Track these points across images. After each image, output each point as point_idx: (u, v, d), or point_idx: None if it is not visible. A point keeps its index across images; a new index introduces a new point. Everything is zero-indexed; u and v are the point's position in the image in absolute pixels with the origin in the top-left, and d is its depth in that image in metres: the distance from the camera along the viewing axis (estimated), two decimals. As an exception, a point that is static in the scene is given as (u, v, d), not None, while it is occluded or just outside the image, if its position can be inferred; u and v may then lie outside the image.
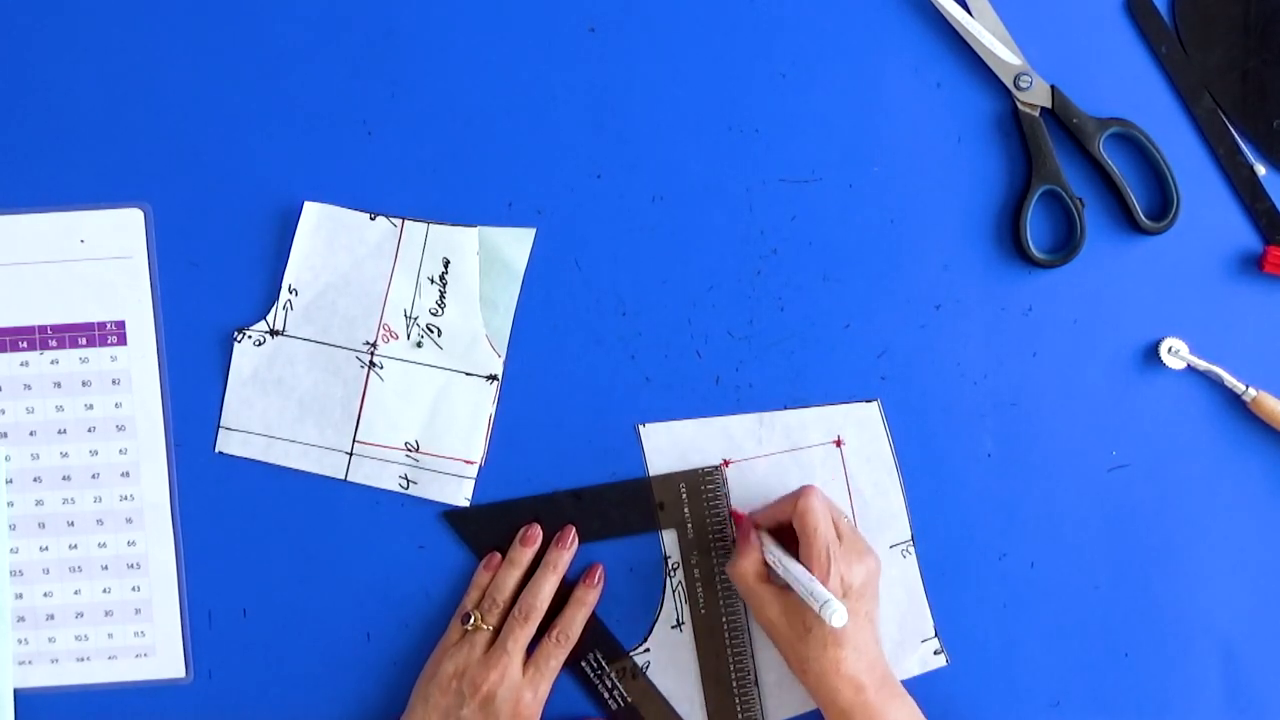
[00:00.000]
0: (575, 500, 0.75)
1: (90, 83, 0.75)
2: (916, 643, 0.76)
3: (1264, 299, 0.76)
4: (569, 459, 0.75)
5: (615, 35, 0.75)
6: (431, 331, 0.75)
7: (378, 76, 0.75)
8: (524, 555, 0.74)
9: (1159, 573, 0.76)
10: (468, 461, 0.75)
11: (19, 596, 0.76)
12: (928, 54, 0.76)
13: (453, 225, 0.75)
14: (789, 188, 0.76)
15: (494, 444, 0.76)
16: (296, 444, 0.75)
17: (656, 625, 0.76)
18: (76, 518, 0.76)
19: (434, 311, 0.75)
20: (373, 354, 0.75)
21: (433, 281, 0.75)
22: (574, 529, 0.75)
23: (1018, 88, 0.75)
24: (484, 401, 0.75)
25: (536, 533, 0.75)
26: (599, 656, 0.76)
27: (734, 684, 0.76)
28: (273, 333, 0.75)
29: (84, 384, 0.75)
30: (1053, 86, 0.75)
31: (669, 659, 0.76)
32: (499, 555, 0.75)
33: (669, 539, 0.76)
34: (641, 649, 0.76)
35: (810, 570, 0.67)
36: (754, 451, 0.76)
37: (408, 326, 0.75)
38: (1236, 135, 0.75)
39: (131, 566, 0.76)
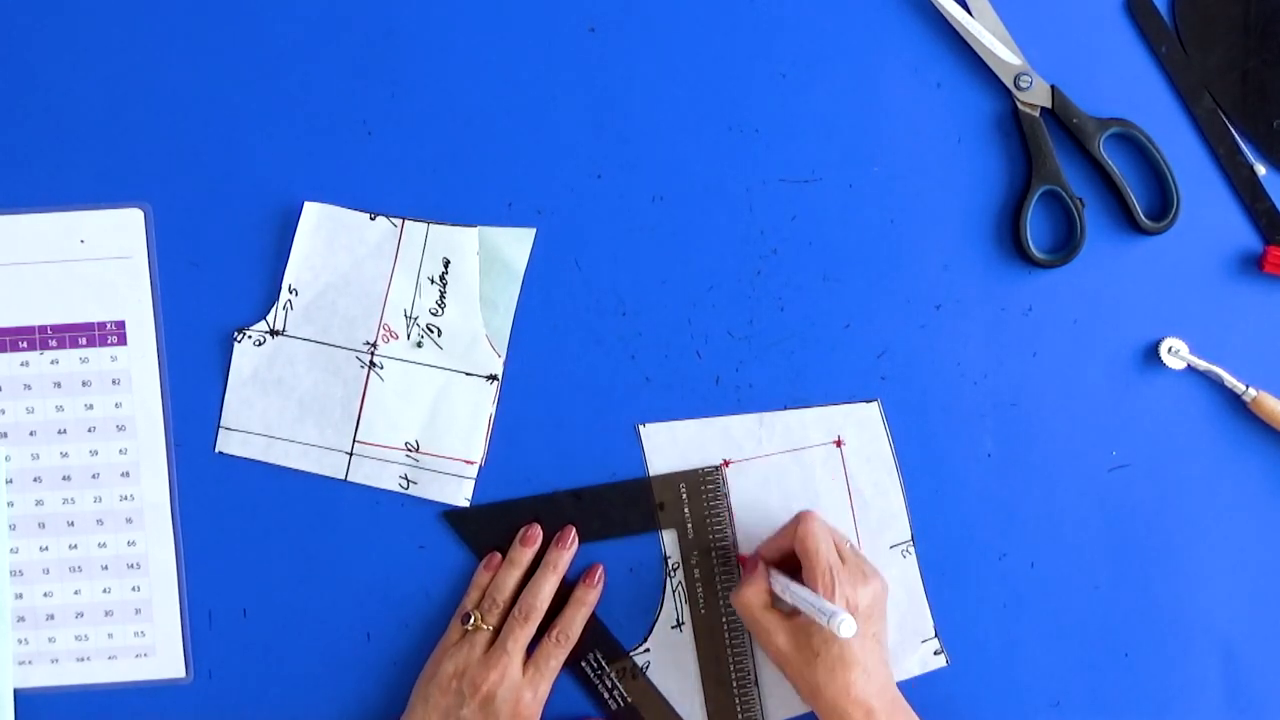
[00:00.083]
0: (575, 500, 0.75)
1: (90, 83, 0.75)
2: (916, 643, 0.76)
3: (1264, 299, 0.76)
4: (569, 459, 0.75)
5: (615, 35, 0.75)
6: (431, 331, 0.75)
7: (378, 76, 0.75)
8: (524, 555, 0.74)
9: (1159, 573, 0.76)
10: (468, 461, 0.75)
11: (19, 596, 0.76)
12: (928, 54, 0.76)
13: (453, 225, 0.75)
14: (789, 188, 0.76)
15: (494, 444, 0.76)
16: (296, 444, 0.75)
17: (656, 625, 0.76)
18: (76, 518, 0.76)
19: (434, 311, 0.75)
20: (373, 354, 0.75)
21: (433, 281, 0.75)
22: (574, 529, 0.75)
23: (1018, 88, 0.75)
24: (484, 401, 0.75)
25: (536, 533, 0.75)
26: (599, 656, 0.76)
27: (734, 684, 0.76)
28: (273, 333, 0.75)
29: (84, 384, 0.75)
30: (1053, 86, 0.75)
31: (669, 659, 0.76)
32: (499, 555, 0.75)
33: (669, 539, 0.76)
34: (641, 649, 0.76)
35: (815, 591, 0.67)
36: (754, 452, 0.76)
37: (408, 326, 0.75)
38: (1236, 135, 0.75)
39: (131, 566, 0.76)
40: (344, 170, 0.75)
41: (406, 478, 0.75)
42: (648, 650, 0.76)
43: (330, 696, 0.76)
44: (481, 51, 0.75)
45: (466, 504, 0.75)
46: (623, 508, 0.76)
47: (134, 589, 0.76)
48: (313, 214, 0.75)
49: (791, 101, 0.76)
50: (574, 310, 0.76)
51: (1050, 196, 0.75)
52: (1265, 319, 0.76)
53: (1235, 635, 0.76)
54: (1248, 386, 0.75)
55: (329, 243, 0.75)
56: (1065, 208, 0.75)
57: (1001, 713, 0.76)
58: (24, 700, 0.76)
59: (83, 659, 0.76)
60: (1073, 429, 0.76)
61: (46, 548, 0.76)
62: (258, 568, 0.75)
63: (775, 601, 0.70)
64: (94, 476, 0.75)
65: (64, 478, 0.75)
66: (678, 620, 0.76)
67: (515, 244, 0.75)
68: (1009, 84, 0.75)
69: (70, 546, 0.76)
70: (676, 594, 0.76)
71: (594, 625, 0.75)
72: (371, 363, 0.75)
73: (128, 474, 0.75)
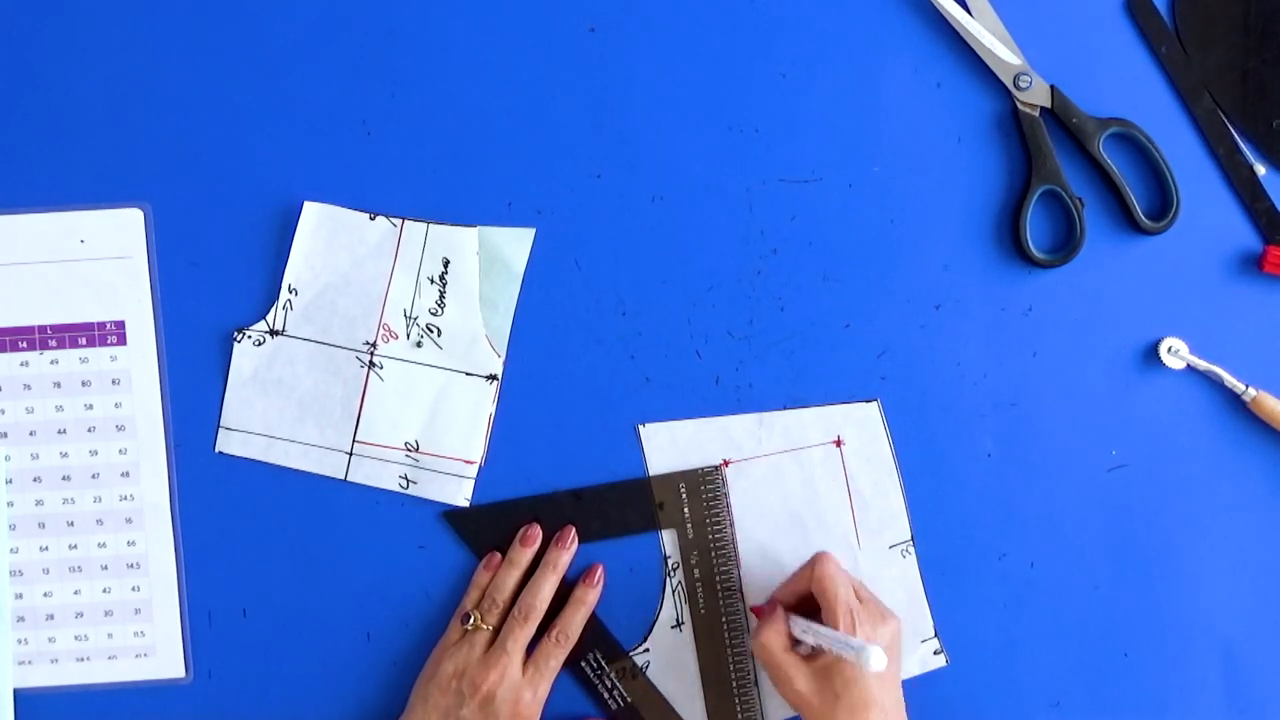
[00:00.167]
0: (575, 500, 0.75)
1: (90, 83, 0.75)
2: (916, 643, 0.76)
3: (1264, 299, 0.76)
4: (569, 459, 0.75)
5: (615, 35, 0.75)
6: (431, 331, 0.75)
7: (378, 76, 0.75)
8: (524, 555, 0.74)
9: (1159, 573, 0.76)
10: (467, 461, 0.75)
11: (19, 596, 0.76)
12: (928, 54, 0.76)
13: (453, 225, 0.75)
14: (789, 188, 0.76)
15: (494, 444, 0.76)
16: (296, 444, 0.75)
17: (656, 625, 0.76)
18: (76, 518, 0.76)
19: (434, 311, 0.75)
20: (373, 354, 0.75)
21: (433, 281, 0.75)
22: (574, 529, 0.75)
23: (1017, 88, 0.75)
24: (484, 401, 0.75)
25: (536, 533, 0.75)
26: (599, 656, 0.76)
27: (734, 684, 0.76)
28: (273, 333, 0.75)
29: (84, 384, 0.75)
30: (1053, 86, 0.75)
31: (669, 659, 0.76)
32: (499, 555, 0.75)
33: (669, 539, 0.76)
34: (641, 649, 0.76)
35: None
36: (754, 451, 0.76)
37: (408, 326, 0.75)
38: (1236, 135, 0.75)
39: (131, 566, 0.76)
40: (344, 170, 0.75)
41: (406, 478, 0.75)
42: (647, 650, 0.76)
43: (330, 696, 0.76)
44: (481, 51, 0.75)
45: (466, 504, 0.75)
46: (622, 508, 0.76)
47: (134, 589, 0.76)
48: (312, 214, 0.75)
49: (791, 101, 0.76)
50: (574, 310, 0.76)
51: (1050, 196, 0.75)
52: (1265, 319, 0.76)
53: (1235, 635, 0.76)
54: (1247, 386, 0.75)
55: (329, 243, 0.75)
56: (1065, 208, 0.75)
57: (1001, 713, 0.76)
58: (24, 700, 0.76)
59: (82, 659, 0.76)
60: (1072, 429, 0.76)
61: (46, 548, 0.76)
62: (258, 568, 0.75)
63: (793, 645, 0.69)
64: (94, 476, 0.75)
65: (64, 478, 0.75)
66: (677, 620, 0.76)
67: (515, 244, 0.75)
68: (1009, 84, 0.75)
69: (70, 546, 0.76)
70: (676, 594, 0.76)
71: (594, 625, 0.75)
72: (371, 363, 0.75)
73: (127, 474, 0.75)
